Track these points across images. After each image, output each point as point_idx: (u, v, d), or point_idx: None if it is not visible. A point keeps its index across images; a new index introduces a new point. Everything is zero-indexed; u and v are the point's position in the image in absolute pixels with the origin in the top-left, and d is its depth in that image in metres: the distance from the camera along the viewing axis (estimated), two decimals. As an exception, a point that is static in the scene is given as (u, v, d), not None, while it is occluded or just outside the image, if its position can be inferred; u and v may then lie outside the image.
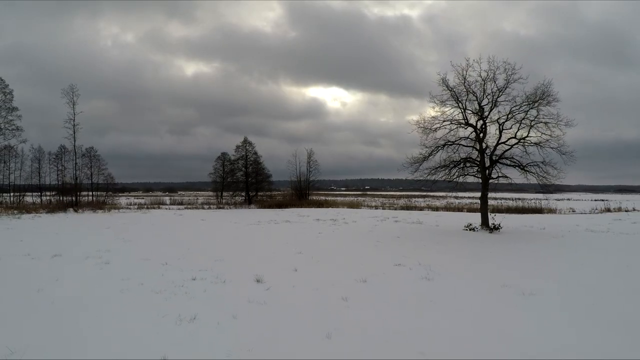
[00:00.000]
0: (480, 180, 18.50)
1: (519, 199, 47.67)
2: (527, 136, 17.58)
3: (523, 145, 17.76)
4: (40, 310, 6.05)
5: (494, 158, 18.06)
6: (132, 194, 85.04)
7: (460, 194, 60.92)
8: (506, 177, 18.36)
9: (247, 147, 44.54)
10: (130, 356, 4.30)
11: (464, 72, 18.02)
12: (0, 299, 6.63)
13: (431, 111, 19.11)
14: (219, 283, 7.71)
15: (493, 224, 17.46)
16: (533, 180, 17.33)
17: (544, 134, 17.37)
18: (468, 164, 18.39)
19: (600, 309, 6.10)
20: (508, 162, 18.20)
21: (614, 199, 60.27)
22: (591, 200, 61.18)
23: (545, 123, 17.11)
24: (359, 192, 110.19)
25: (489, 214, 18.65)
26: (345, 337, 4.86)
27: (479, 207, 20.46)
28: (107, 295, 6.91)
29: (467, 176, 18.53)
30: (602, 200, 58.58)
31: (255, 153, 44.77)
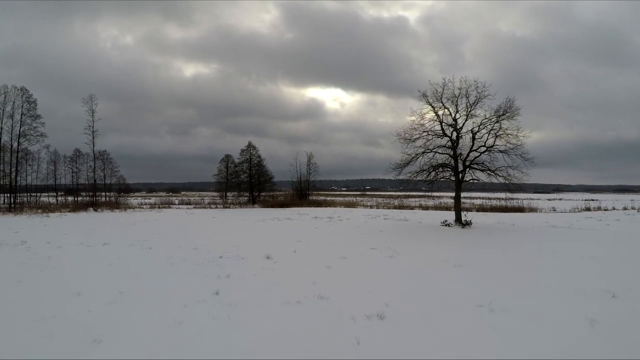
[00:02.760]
0: (454, 182, 21.41)
1: (512, 199, 50.22)
2: (494, 145, 20.51)
3: (491, 152, 20.69)
4: (118, 275, 8.94)
5: (466, 163, 20.97)
6: (136, 194, 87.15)
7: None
8: (478, 179, 21.29)
9: (251, 151, 47.77)
10: (198, 291, 7.24)
11: (441, 89, 20.96)
12: (84, 271, 9.49)
13: (412, 122, 21.92)
14: (239, 259, 10.67)
15: (465, 220, 20.41)
16: (496, 181, 20.26)
17: (509, 142, 20.30)
18: (444, 168, 21.31)
19: (496, 276, 9.01)
20: (480, 167, 21.11)
21: (604, 199, 62.69)
22: (582, 200, 63.55)
23: (508, 134, 20.07)
24: (359, 192, 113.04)
25: (462, 212, 21.58)
26: (325, 283, 7.80)
27: (454, 205, 23.39)
28: (161, 265, 9.88)
29: (443, 179, 21.46)
30: (592, 200, 61.06)
31: (259, 156, 48.03)
